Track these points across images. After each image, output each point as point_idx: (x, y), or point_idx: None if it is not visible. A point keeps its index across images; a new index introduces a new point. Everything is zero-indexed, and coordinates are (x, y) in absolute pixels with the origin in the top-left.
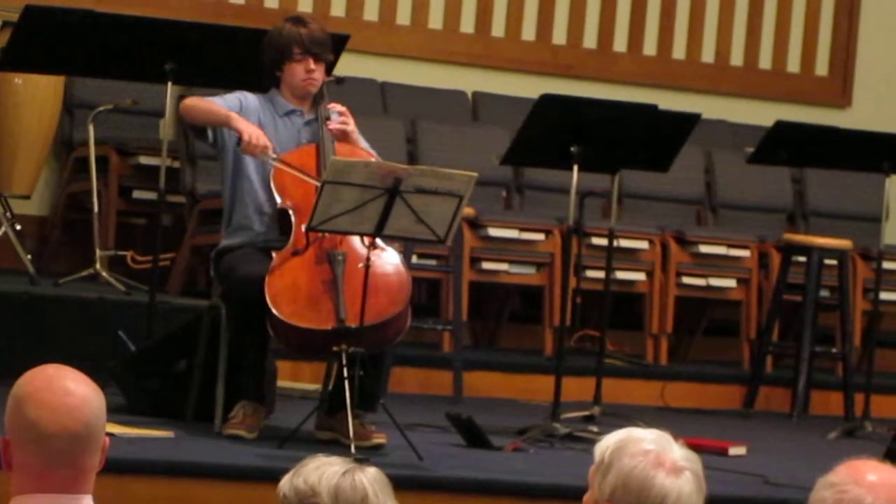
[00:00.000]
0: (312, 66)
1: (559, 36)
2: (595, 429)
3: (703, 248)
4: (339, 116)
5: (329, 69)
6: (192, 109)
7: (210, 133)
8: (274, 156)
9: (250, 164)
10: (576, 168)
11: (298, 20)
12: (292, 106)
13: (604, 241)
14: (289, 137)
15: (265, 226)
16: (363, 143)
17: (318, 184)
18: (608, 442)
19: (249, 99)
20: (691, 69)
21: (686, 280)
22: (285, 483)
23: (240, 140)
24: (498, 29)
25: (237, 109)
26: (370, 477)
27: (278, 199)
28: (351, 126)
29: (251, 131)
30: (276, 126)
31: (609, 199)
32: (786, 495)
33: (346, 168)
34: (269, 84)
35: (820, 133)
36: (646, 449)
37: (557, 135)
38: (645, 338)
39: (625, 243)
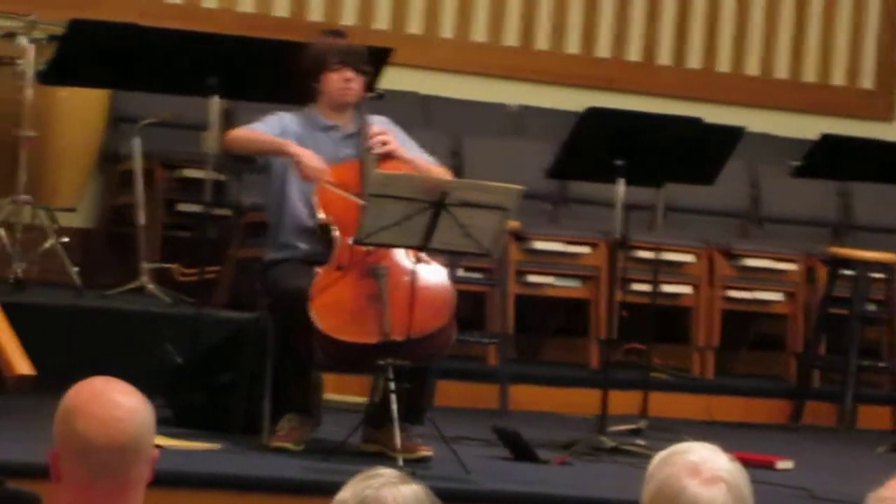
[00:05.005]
0: (349, 75)
1: (603, 49)
2: (642, 442)
3: (749, 262)
4: (380, 147)
5: (371, 83)
6: (239, 140)
7: (259, 157)
8: (330, 180)
9: (293, 185)
10: (621, 181)
11: (336, 32)
12: (330, 121)
13: (649, 255)
14: (327, 153)
15: (308, 243)
16: (414, 153)
17: (362, 202)
18: (658, 454)
19: (286, 118)
20: (736, 82)
21: (731, 293)
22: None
23: (297, 164)
24: (541, 42)
25: (279, 131)
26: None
27: (321, 215)
28: (392, 145)
29: (307, 156)
30: (316, 142)
31: (654, 212)
32: None
33: (389, 181)
34: (309, 98)
35: (866, 146)
36: (687, 459)
37: (603, 148)
38: (691, 351)
39: (670, 256)
